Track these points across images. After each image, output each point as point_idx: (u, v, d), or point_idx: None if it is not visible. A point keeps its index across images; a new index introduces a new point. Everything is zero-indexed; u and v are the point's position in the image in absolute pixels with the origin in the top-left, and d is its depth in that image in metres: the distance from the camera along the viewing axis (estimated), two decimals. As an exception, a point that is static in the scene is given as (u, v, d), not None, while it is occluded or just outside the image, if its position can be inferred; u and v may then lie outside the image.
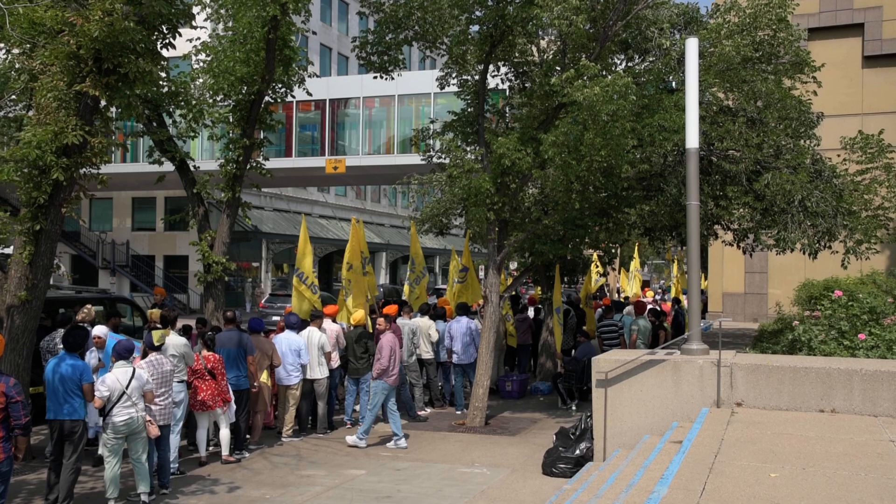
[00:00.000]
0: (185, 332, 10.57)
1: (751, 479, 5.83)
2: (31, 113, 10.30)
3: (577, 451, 9.24)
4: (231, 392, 9.98)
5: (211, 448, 10.21)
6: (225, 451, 9.91)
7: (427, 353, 13.58)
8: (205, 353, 9.78)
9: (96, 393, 7.91)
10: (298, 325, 11.65)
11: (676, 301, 22.17)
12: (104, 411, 7.92)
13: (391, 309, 13.28)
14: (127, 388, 7.89)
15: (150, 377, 8.35)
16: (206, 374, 9.65)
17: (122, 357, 8.16)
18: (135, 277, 39.38)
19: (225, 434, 9.90)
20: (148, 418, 8.14)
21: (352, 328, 12.25)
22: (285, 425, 11.39)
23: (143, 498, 8.06)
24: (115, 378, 7.93)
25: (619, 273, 33.99)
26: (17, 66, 10.79)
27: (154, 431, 8.17)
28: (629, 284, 27.14)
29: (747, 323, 26.97)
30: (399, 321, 13.05)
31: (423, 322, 13.65)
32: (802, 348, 10.49)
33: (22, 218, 9.43)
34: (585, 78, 9.90)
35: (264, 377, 11.01)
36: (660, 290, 38.54)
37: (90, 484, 8.91)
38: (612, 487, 6.76)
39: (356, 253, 13.40)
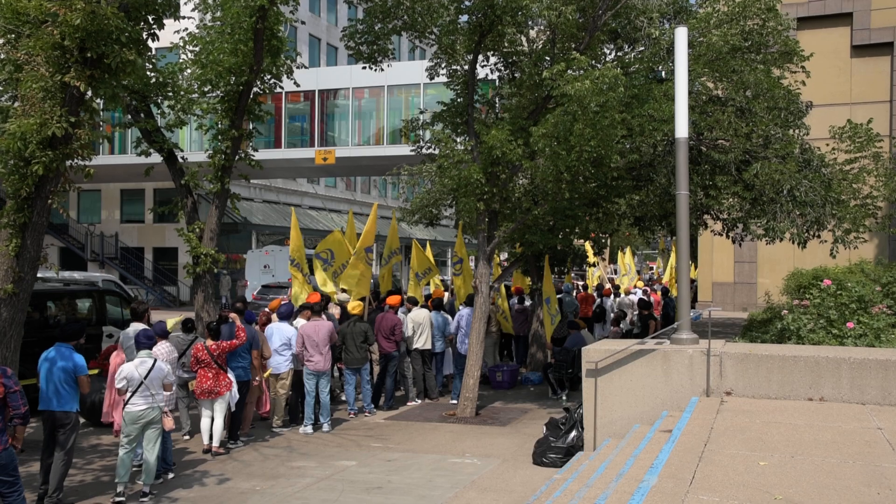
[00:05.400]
0: (186, 324, 10.72)
1: (740, 467, 5.85)
2: (16, 104, 10.18)
3: (568, 441, 9.27)
4: (234, 378, 10.05)
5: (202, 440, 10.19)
6: (216, 443, 9.90)
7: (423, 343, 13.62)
8: (209, 342, 9.83)
9: (116, 383, 7.97)
10: (287, 315, 11.66)
11: (665, 291, 22.23)
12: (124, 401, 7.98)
13: (394, 299, 13.30)
14: (146, 378, 7.92)
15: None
16: (213, 362, 9.73)
17: (145, 346, 8.18)
18: (124, 270, 39.16)
19: (218, 425, 9.90)
20: (165, 410, 8.16)
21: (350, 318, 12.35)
22: (275, 416, 11.39)
23: (145, 489, 8.06)
24: (132, 368, 7.97)
25: (608, 262, 34.10)
26: (1, 56, 10.67)
27: (169, 424, 8.20)
28: (621, 278, 27.23)
29: (737, 312, 27.07)
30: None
31: (417, 314, 13.64)
32: (791, 337, 10.53)
33: (8, 210, 9.34)
34: (575, 71, 9.87)
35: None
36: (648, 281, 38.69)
37: (79, 476, 8.88)
38: (602, 476, 6.77)
39: (371, 237, 13.89)
